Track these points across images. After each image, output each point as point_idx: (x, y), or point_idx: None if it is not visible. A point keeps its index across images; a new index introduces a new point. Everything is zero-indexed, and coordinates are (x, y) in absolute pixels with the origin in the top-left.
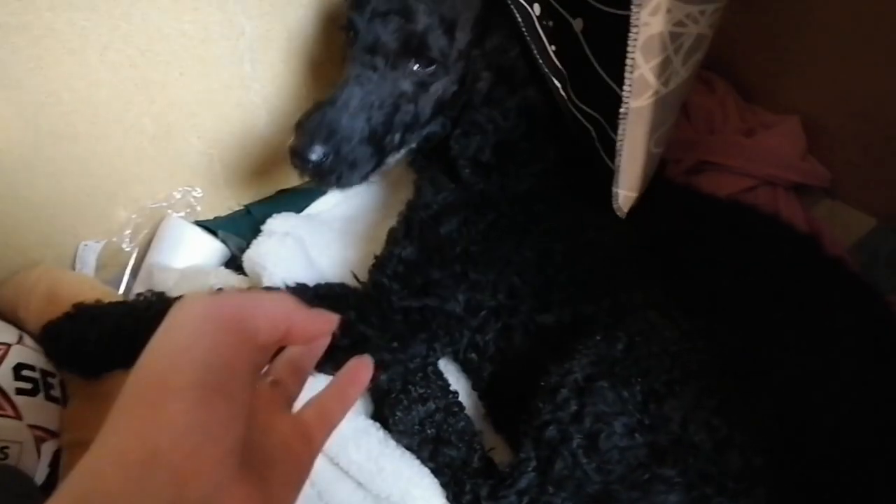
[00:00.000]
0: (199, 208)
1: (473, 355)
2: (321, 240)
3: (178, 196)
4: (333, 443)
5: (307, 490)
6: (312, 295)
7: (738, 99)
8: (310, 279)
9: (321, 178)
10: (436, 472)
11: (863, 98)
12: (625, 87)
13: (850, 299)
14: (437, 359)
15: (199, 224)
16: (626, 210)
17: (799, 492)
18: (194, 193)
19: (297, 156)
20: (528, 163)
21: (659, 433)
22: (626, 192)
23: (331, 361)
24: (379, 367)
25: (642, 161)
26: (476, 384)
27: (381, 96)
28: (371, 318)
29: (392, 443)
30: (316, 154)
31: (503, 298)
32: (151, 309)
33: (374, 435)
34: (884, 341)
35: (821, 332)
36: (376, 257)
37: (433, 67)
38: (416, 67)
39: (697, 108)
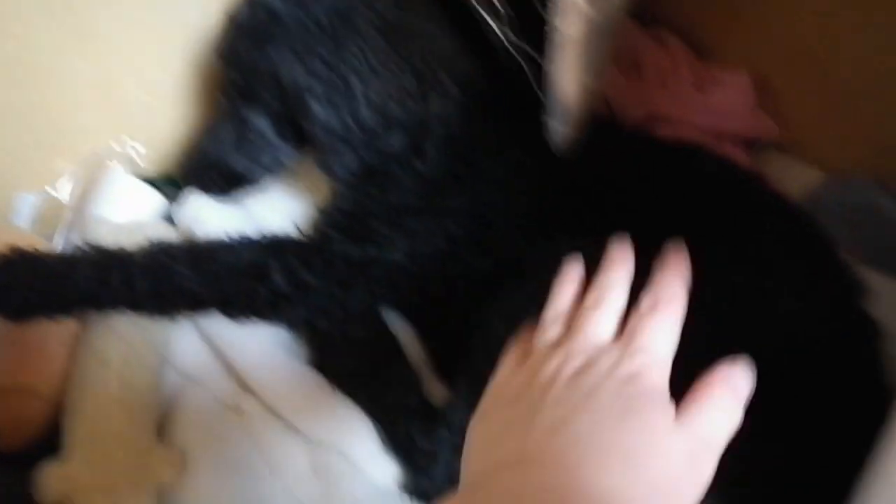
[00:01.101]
0: (141, 161)
1: (416, 301)
2: (269, 193)
3: (120, 148)
4: (267, 387)
5: (241, 439)
6: (255, 244)
7: (689, 55)
8: (249, 232)
9: None
10: (372, 414)
11: (812, 52)
12: (554, 12)
13: (790, 227)
14: (380, 306)
15: (142, 178)
16: (561, 145)
17: None
18: (137, 146)
19: None
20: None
21: None
22: (560, 126)
23: (272, 308)
24: (320, 313)
25: (577, 92)
26: (419, 331)
27: None
28: (313, 265)
29: (328, 387)
30: None
31: (442, 245)
32: (87, 259)
33: (310, 379)
34: (819, 264)
35: (760, 257)
36: (319, 210)
37: None
38: None
39: (649, 63)
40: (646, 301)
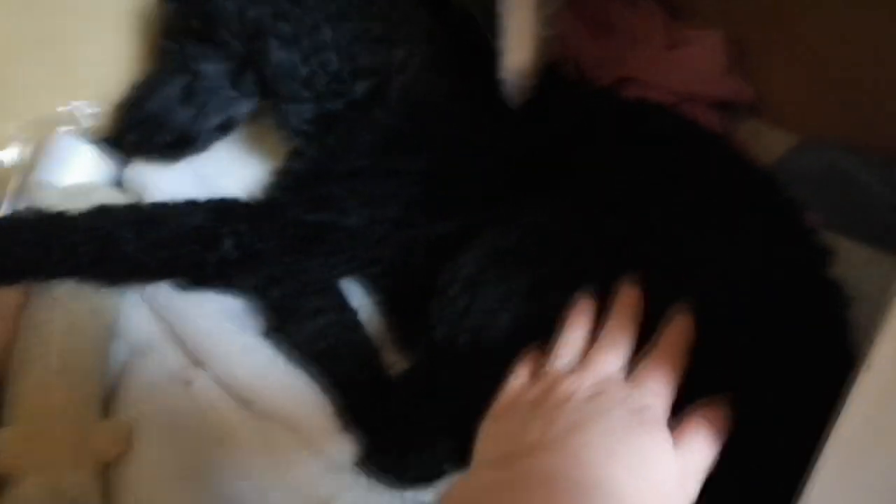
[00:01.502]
0: (92, 125)
1: (375, 269)
2: (221, 156)
3: (69, 111)
4: (218, 359)
5: (191, 412)
6: (204, 208)
7: (662, 14)
8: (198, 195)
9: None
10: (326, 388)
11: (786, 15)
12: None
13: (752, 190)
14: (336, 275)
15: (94, 142)
16: (516, 98)
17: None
18: (88, 109)
19: None
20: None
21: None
22: (515, 77)
23: (221, 276)
24: (271, 281)
25: (530, 42)
26: (378, 300)
27: None
28: (264, 231)
29: (281, 360)
30: None
31: (399, 210)
32: (27, 225)
33: (262, 351)
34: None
35: (716, 221)
36: (272, 172)
37: None
38: None
39: (619, 23)
40: (655, 351)
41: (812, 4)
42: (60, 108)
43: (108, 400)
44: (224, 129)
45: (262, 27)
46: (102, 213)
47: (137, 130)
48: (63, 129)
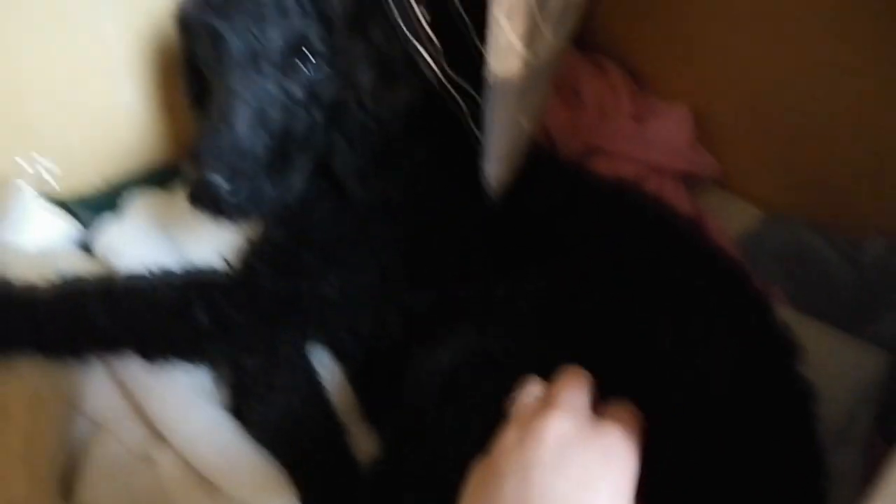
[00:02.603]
0: (55, 184)
1: (347, 338)
2: (189, 220)
3: (30, 169)
4: (182, 437)
5: (153, 492)
6: (177, 279)
7: (630, 85)
8: (170, 264)
9: (233, 209)
10: (290, 468)
11: (750, 89)
12: (491, 55)
13: (723, 284)
14: (309, 345)
15: (57, 202)
16: (497, 190)
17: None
18: (48, 165)
19: (203, 185)
20: (405, 166)
21: None
22: (496, 170)
23: (194, 348)
24: (244, 352)
25: (513, 136)
26: (349, 372)
27: (275, 107)
28: (239, 301)
29: (246, 438)
30: (225, 181)
31: (376, 279)
32: None
33: (227, 429)
34: (753, 327)
35: (692, 317)
36: (248, 241)
37: (321, 66)
38: (302, 67)
39: (589, 93)
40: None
41: (779, 80)
42: (22, 164)
43: (68, 479)
44: None
45: None
46: (69, 284)
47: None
48: (23, 185)
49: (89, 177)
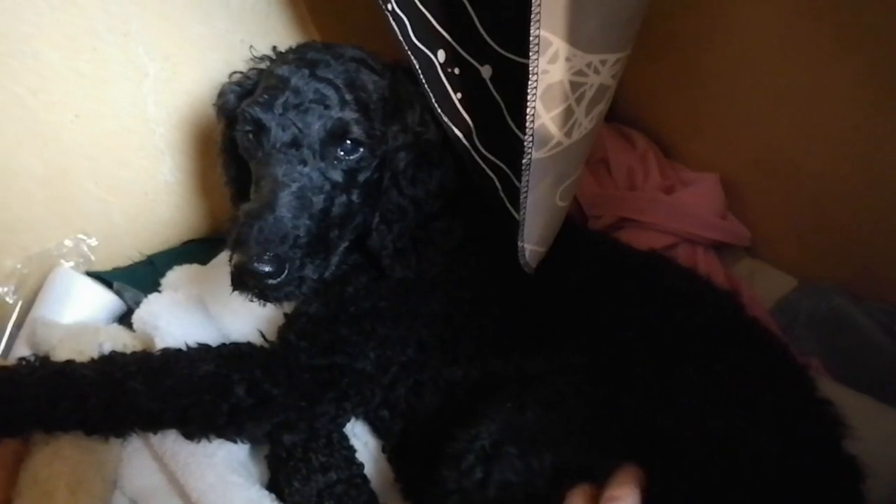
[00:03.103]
0: (93, 258)
1: (384, 413)
2: (225, 293)
3: (70, 244)
4: None
5: None
6: (216, 354)
7: (658, 155)
8: (208, 337)
9: (276, 292)
10: None
11: (781, 157)
12: (526, 137)
13: (765, 362)
14: (347, 419)
15: (95, 275)
16: (533, 266)
17: None
18: (89, 242)
19: (248, 272)
20: (441, 243)
21: None
22: (532, 247)
23: (234, 424)
24: (283, 428)
25: (548, 214)
26: (386, 445)
27: (316, 192)
28: (277, 377)
29: None
30: (269, 266)
31: (413, 353)
32: (34, 375)
33: None
34: (798, 406)
35: (735, 396)
36: (285, 315)
37: (360, 152)
38: (343, 154)
39: (618, 164)
40: None
41: (808, 146)
42: (65, 242)
43: None
44: None
45: None
46: (111, 363)
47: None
48: (66, 263)
49: (126, 250)
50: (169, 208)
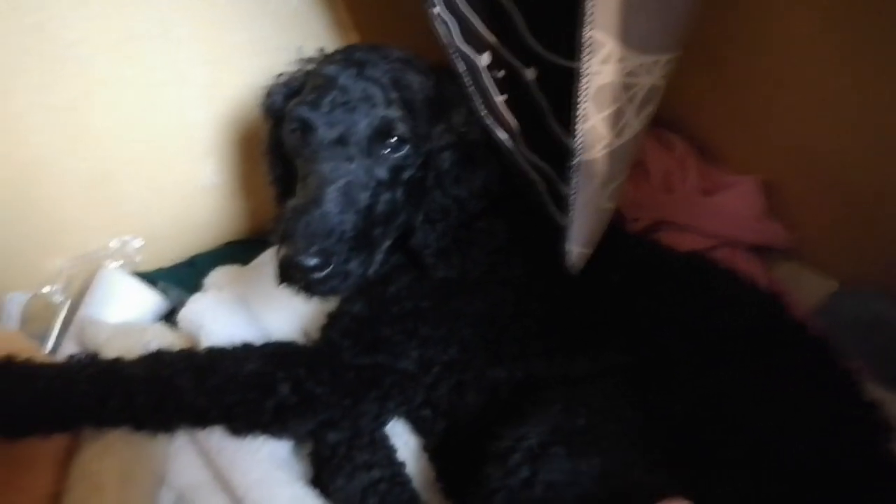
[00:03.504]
0: (138, 259)
1: (427, 412)
2: (268, 293)
3: (116, 245)
4: None
5: None
6: (260, 353)
7: (697, 158)
8: (251, 336)
9: (321, 286)
10: None
11: (822, 159)
12: (576, 139)
13: (811, 364)
14: (390, 418)
15: (139, 275)
16: (579, 268)
17: None
18: (133, 243)
19: (294, 265)
20: (484, 243)
21: None
22: (579, 249)
23: (277, 422)
24: (327, 426)
25: (595, 216)
26: (427, 444)
27: (361, 188)
28: (321, 375)
29: None
30: (315, 259)
31: (455, 353)
32: (84, 372)
33: (312, 503)
34: (843, 405)
35: (780, 398)
36: (328, 315)
37: (405, 150)
38: (388, 152)
39: (656, 167)
40: None
41: (849, 148)
42: (110, 242)
43: None
44: None
45: None
46: (158, 361)
47: None
48: (111, 263)
49: (169, 251)
50: (210, 210)
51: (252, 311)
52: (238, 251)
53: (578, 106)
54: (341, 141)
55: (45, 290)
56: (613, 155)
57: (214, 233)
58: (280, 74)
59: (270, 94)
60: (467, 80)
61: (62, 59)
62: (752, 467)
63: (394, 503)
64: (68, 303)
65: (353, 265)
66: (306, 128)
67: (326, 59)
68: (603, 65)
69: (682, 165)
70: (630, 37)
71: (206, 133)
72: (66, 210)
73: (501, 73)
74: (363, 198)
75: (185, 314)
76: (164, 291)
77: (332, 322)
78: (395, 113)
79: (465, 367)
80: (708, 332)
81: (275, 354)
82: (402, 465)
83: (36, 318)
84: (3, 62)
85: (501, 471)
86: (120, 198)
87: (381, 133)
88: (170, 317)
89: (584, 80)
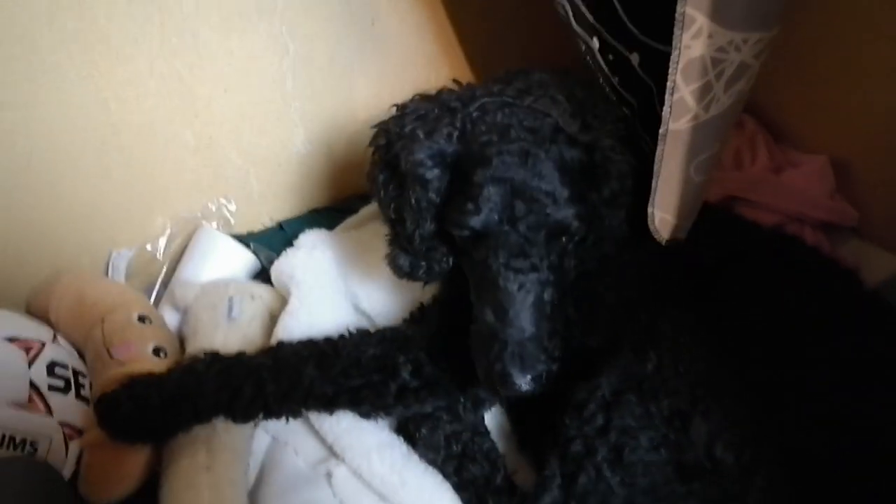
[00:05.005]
0: (233, 221)
1: None
2: (353, 256)
3: (214, 208)
4: (356, 453)
5: (330, 500)
6: (379, 338)
7: (767, 137)
8: (338, 291)
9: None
10: (458, 487)
11: (889, 138)
12: (665, 109)
13: (885, 329)
14: None
15: (233, 237)
16: (664, 234)
17: None
18: (229, 206)
19: (510, 385)
20: None
21: (685, 451)
22: (662, 214)
23: (400, 404)
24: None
25: (681, 186)
26: (505, 403)
27: (546, 290)
28: (438, 360)
29: (415, 457)
30: (534, 384)
31: (560, 329)
32: (212, 368)
33: (398, 448)
34: None
35: (854, 361)
36: (433, 297)
37: (576, 239)
38: (561, 244)
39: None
40: None
41: None
42: (209, 205)
43: (252, 492)
44: None
45: None
46: (282, 351)
47: None
48: (208, 224)
49: (260, 215)
50: (299, 177)
51: (342, 272)
52: (322, 218)
53: (669, 78)
54: (522, 253)
55: (148, 247)
56: (700, 127)
57: (301, 199)
58: (395, 106)
59: (417, 154)
60: (588, 59)
61: (179, 31)
62: (821, 416)
63: (474, 451)
64: (168, 261)
65: (556, 367)
66: (479, 236)
67: (473, 127)
68: (693, 40)
69: (751, 144)
70: (720, 14)
71: (298, 102)
72: (171, 173)
73: (611, 57)
74: (547, 296)
75: (278, 265)
76: (256, 252)
77: (441, 307)
78: (568, 211)
79: (565, 340)
80: (788, 299)
81: (394, 339)
82: (482, 416)
83: (139, 273)
84: (127, 30)
85: (578, 420)
86: (219, 163)
87: (558, 234)
88: (261, 275)
89: (675, 53)
